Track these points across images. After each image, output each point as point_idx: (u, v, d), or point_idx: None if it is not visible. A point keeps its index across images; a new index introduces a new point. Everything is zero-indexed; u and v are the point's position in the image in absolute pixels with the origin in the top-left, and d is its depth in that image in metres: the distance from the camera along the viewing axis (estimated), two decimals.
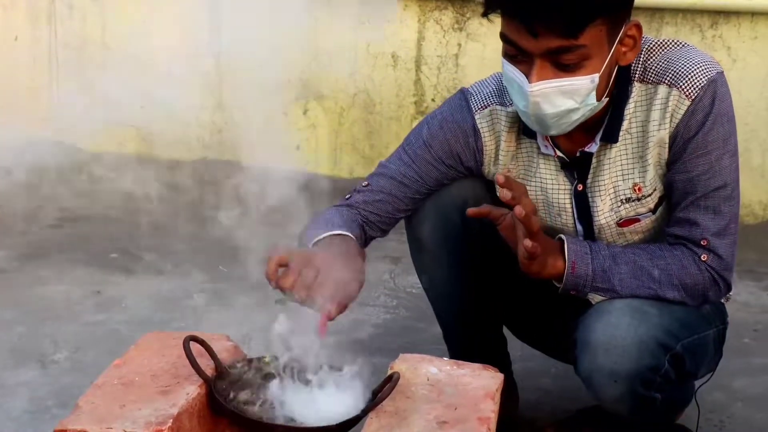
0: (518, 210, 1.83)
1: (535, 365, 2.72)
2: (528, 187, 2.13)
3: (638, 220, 2.08)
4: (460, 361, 1.94)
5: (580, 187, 2.08)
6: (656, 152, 2.00)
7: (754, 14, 3.98)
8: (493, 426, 1.75)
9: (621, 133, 2.00)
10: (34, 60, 4.89)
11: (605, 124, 2.01)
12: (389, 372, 1.84)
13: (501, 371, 1.93)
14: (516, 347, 2.56)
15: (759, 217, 4.15)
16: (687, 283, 1.98)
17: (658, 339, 1.93)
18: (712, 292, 2.02)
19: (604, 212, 2.07)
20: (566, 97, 1.87)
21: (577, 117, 1.92)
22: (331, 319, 1.80)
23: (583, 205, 2.09)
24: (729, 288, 2.05)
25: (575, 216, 2.11)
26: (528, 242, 1.89)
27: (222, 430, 1.84)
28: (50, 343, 2.92)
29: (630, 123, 2.00)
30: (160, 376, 1.81)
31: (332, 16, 4.42)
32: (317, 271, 1.82)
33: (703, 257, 1.98)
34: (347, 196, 2.18)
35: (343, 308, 1.83)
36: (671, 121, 1.96)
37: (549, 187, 2.11)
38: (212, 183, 4.43)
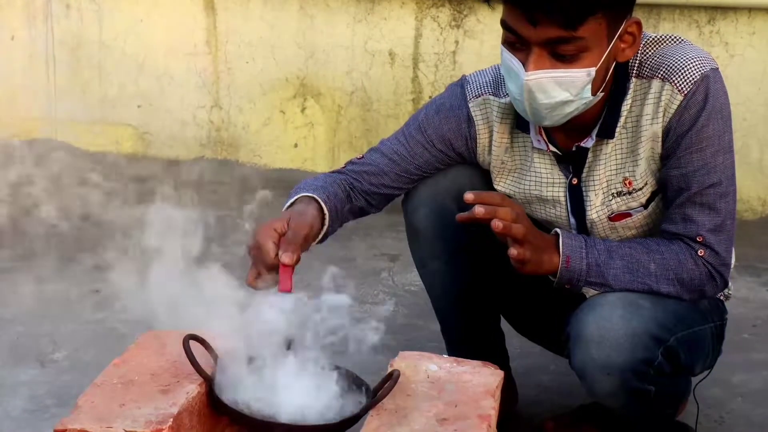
0: (495, 225, 1.84)
1: (534, 362, 2.72)
2: (523, 181, 2.14)
3: (630, 215, 2.08)
4: (460, 359, 1.94)
5: (574, 181, 2.08)
6: (649, 146, 2.00)
7: (751, 10, 3.98)
8: (494, 423, 1.75)
9: (617, 129, 2.01)
10: (30, 59, 4.88)
11: (602, 119, 2.01)
12: (389, 370, 1.84)
13: (500, 367, 1.93)
14: (515, 344, 2.56)
15: (758, 213, 4.15)
16: (683, 278, 1.98)
17: (650, 331, 1.93)
18: (708, 287, 2.02)
19: (596, 206, 2.08)
20: (561, 88, 1.87)
21: (571, 110, 1.92)
22: (289, 265, 1.83)
23: (577, 199, 2.09)
24: (726, 284, 2.05)
25: (569, 209, 2.11)
26: (513, 251, 1.89)
27: (222, 428, 1.84)
28: (49, 342, 2.92)
29: (626, 118, 2.00)
30: (160, 375, 1.81)
31: (329, 14, 4.41)
32: (262, 246, 1.88)
33: (700, 252, 1.98)
34: (343, 165, 2.22)
35: (298, 252, 1.86)
36: (664, 115, 1.96)
37: (544, 180, 2.11)
38: (210, 182, 4.42)
